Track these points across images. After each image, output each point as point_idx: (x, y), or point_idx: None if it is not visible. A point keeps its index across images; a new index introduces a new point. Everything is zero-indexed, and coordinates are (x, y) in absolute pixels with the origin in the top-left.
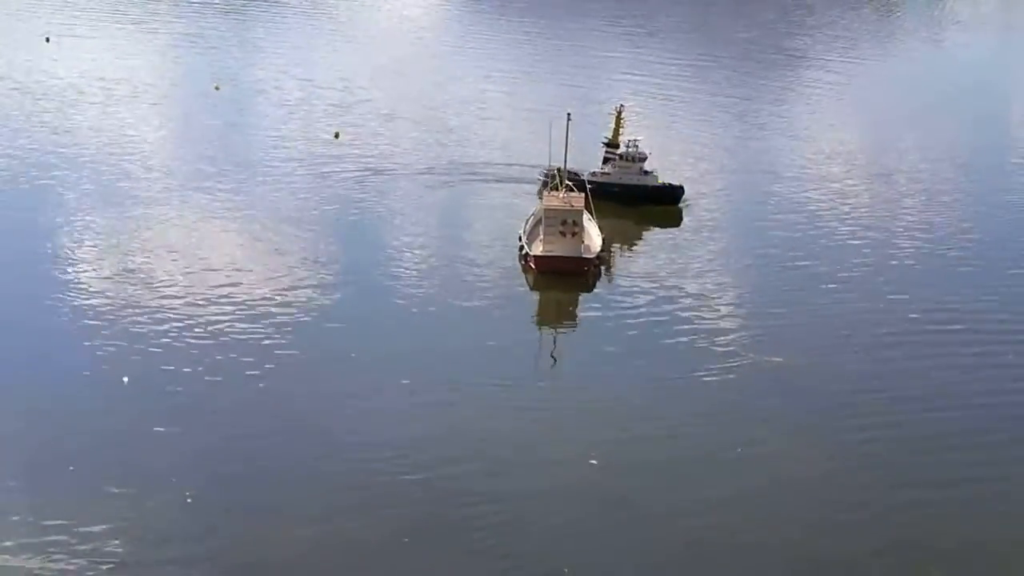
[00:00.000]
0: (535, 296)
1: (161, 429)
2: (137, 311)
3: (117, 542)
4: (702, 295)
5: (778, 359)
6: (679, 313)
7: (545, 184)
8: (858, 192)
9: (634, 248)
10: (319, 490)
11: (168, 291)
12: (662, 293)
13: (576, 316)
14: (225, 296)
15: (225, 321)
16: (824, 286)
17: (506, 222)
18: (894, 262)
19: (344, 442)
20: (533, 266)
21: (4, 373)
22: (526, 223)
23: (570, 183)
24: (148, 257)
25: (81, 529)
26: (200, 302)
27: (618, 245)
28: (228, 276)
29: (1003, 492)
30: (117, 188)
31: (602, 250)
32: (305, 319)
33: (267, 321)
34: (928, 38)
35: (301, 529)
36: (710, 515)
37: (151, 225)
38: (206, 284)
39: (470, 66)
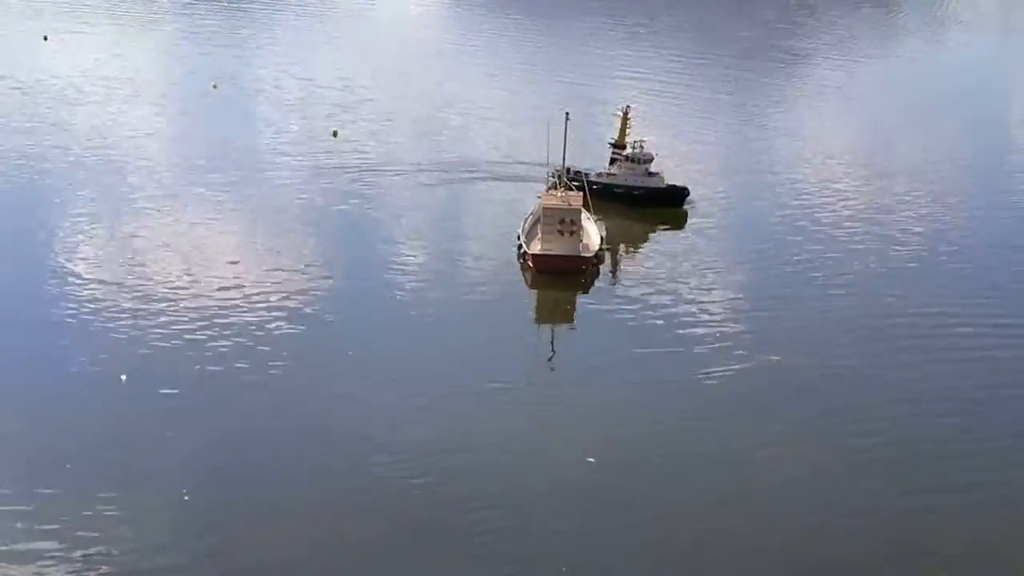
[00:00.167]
0: (533, 295)
1: (159, 428)
2: (135, 309)
3: (113, 541)
4: (702, 295)
5: (777, 358)
6: (679, 313)
7: (555, 184)
8: (860, 193)
9: (636, 249)
10: (317, 490)
11: (166, 290)
12: (662, 293)
13: (574, 315)
14: (223, 294)
15: (223, 319)
16: (826, 287)
17: (505, 221)
18: (897, 263)
19: (342, 441)
20: (531, 265)
21: (1, 371)
22: (525, 222)
23: (568, 181)
24: (146, 255)
25: (77, 528)
26: (198, 301)
27: (621, 246)
28: (225, 274)
29: (1005, 496)
30: (115, 187)
31: (602, 249)
32: (303, 318)
33: (265, 319)
34: (930, 38)
35: (299, 529)
36: (710, 516)
37: (149, 223)
38: (204, 282)
39: (471, 65)
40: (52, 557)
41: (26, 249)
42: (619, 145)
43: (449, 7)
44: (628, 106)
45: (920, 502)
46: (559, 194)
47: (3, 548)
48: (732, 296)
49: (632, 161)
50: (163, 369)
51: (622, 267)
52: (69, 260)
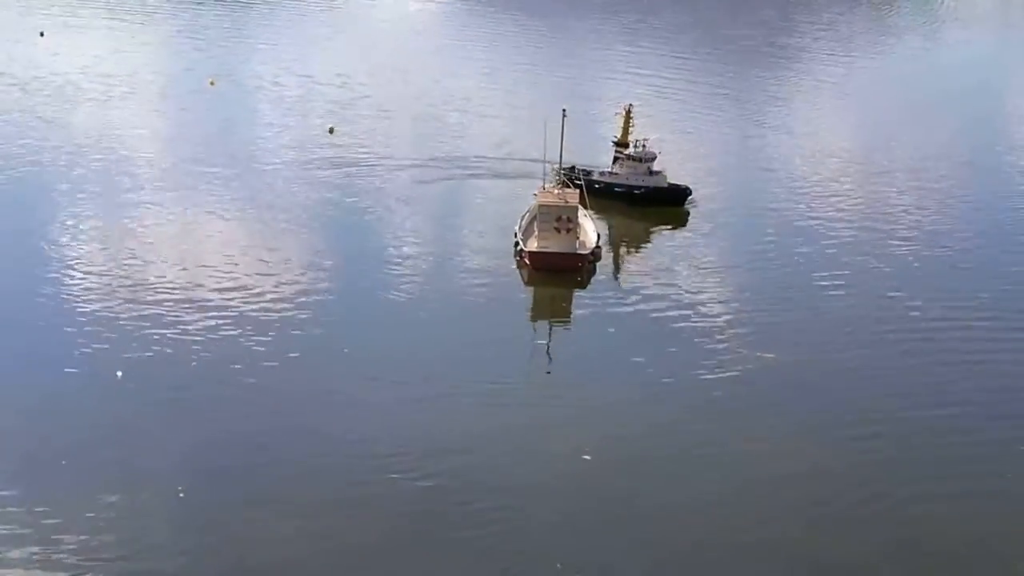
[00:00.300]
0: (529, 292)
1: (154, 424)
2: (131, 306)
3: (109, 539)
4: (700, 294)
5: (772, 355)
6: (676, 310)
7: (563, 182)
8: (860, 191)
9: (635, 247)
10: (312, 486)
11: (161, 286)
12: (660, 291)
13: (570, 312)
14: (218, 291)
15: (219, 316)
16: (825, 285)
17: (503, 218)
18: (896, 261)
19: (337, 438)
20: (528, 262)
21: None
22: (522, 219)
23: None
24: (142, 252)
25: (73, 524)
26: (193, 297)
27: (620, 244)
28: (221, 270)
29: (1004, 492)
30: (111, 183)
31: (598, 247)
32: (299, 315)
33: (261, 316)
34: (929, 35)
35: (294, 525)
36: (708, 513)
37: (145, 220)
38: (199, 279)
39: (469, 62)
40: (48, 554)
41: (20, 244)
42: (622, 144)
43: (449, 4)
44: (631, 104)
45: (919, 499)
46: (555, 191)
47: None
48: (730, 294)
49: (634, 160)
50: (160, 366)
51: (621, 266)
52: (64, 255)
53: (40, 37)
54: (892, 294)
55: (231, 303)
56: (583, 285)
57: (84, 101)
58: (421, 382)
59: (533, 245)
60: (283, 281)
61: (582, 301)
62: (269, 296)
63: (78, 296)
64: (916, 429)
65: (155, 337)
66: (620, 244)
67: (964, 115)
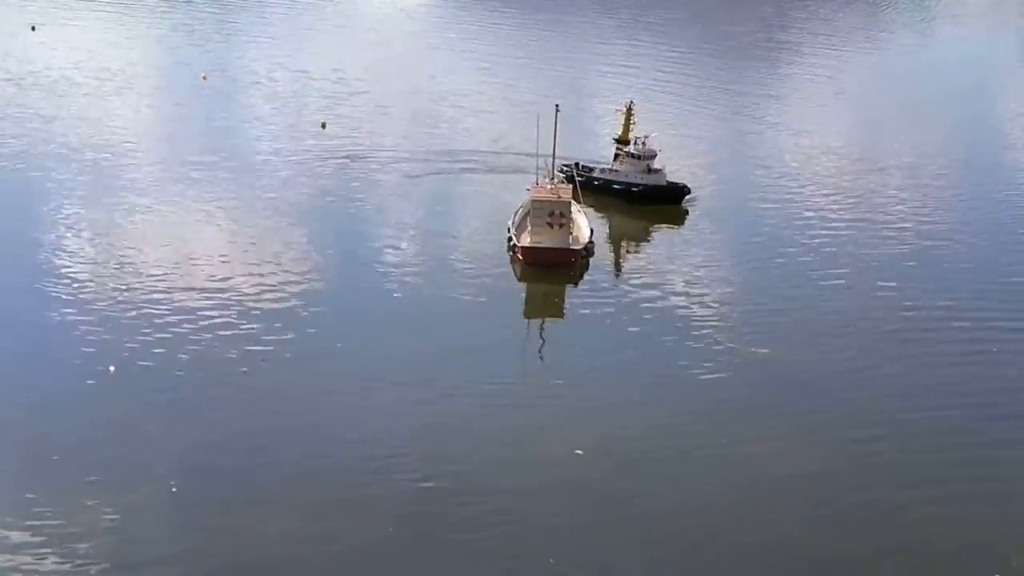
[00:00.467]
0: (522, 287)
1: (147, 420)
2: (124, 302)
3: (101, 534)
4: (695, 291)
5: (766, 351)
6: (671, 307)
7: (569, 178)
8: (857, 189)
9: (632, 244)
10: (305, 484)
11: (155, 282)
12: (654, 288)
13: (563, 308)
14: (211, 287)
15: (212, 312)
16: (823, 283)
17: (495, 212)
18: (895, 259)
19: (331, 436)
20: (521, 257)
21: None
22: (515, 214)
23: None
24: (135, 247)
25: (65, 520)
26: (186, 293)
27: (616, 241)
28: (214, 266)
29: (1003, 490)
30: (104, 178)
31: (591, 242)
32: (292, 311)
33: (254, 313)
34: (924, 32)
35: (289, 524)
36: (706, 511)
37: (138, 215)
38: (192, 275)
39: (464, 58)
40: (41, 550)
41: (13, 240)
42: (622, 141)
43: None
44: (631, 101)
45: (919, 497)
46: (548, 186)
47: None
48: (725, 292)
49: (634, 157)
50: (152, 361)
51: (617, 262)
52: (56, 251)
53: (32, 31)
54: (890, 292)
55: (223, 298)
56: (576, 280)
57: (77, 96)
58: (413, 378)
59: (526, 240)
60: (276, 277)
61: (574, 296)
62: (262, 292)
63: (69, 291)
64: (916, 430)
65: (147, 332)
66: (617, 241)
67: (960, 112)
